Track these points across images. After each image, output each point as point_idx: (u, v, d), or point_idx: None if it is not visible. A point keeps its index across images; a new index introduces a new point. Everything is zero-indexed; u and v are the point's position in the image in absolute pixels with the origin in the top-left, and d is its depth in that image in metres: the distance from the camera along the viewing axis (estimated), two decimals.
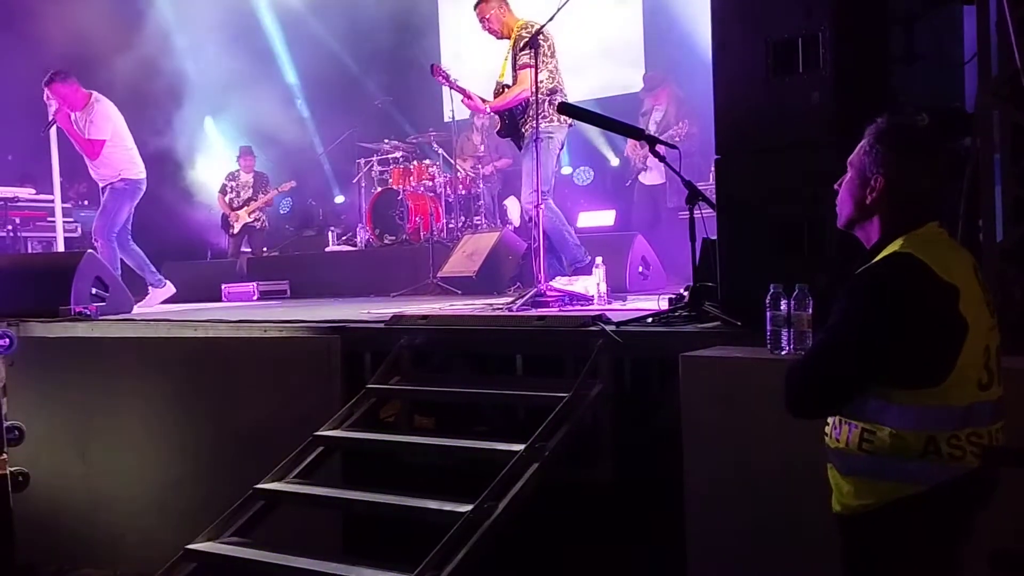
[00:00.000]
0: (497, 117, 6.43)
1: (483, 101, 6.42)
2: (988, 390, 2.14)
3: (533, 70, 5.68)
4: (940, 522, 2.13)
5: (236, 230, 10.58)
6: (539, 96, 5.75)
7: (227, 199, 10.68)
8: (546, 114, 5.89)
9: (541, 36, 5.80)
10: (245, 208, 10.56)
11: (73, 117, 7.18)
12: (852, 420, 2.17)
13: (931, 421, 2.08)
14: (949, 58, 3.85)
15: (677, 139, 8.34)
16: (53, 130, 7.55)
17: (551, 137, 6.01)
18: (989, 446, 2.12)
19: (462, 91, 6.55)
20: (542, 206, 5.57)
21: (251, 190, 10.65)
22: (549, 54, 6.00)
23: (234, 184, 10.73)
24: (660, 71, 9.46)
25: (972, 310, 2.10)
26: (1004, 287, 3.23)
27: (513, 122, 6.23)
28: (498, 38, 6.34)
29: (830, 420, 2.26)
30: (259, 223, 10.67)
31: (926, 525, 2.12)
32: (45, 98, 7.35)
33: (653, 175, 8.99)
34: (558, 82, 6.07)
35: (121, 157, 7.29)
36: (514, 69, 6.12)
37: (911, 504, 2.10)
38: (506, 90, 6.18)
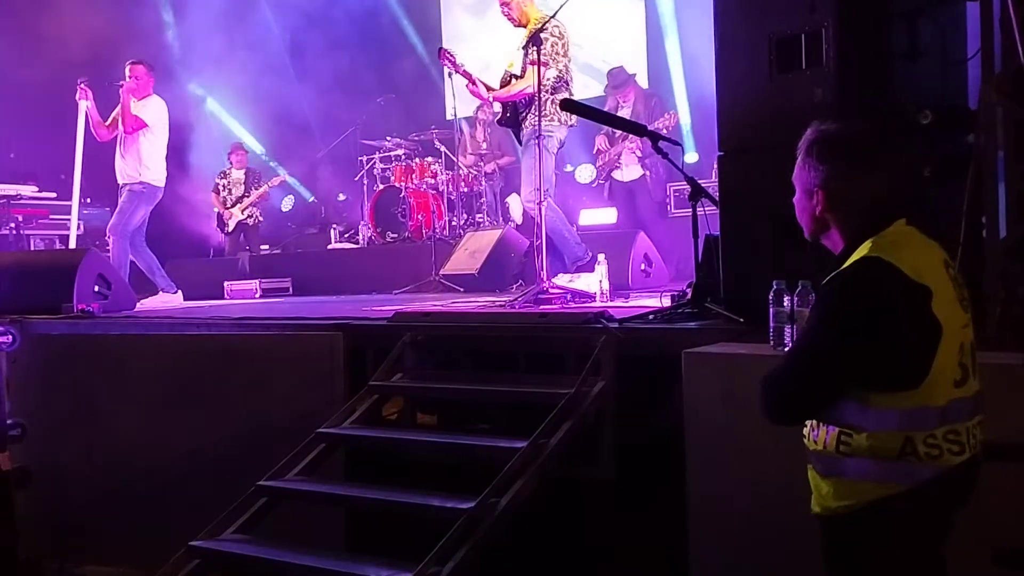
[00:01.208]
0: (499, 106, 6.40)
1: (488, 89, 6.37)
2: (963, 386, 2.12)
3: (539, 67, 5.66)
4: (919, 522, 2.12)
5: (231, 228, 10.55)
6: (543, 94, 5.67)
7: (220, 197, 10.64)
8: (547, 112, 5.80)
9: (557, 33, 5.77)
10: (238, 206, 10.52)
11: (130, 99, 7.46)
12: (829, 423, 2.15)
13: (908, 422, 2.07)
14: (952, 54, 3.84)
15: (666, 131, 8.30)
16: (81, 135, 7.73)
17: (551, 136, 5.91)
18: (967, 443, 2.10)
19: (468, 75, 6.46)
20: (543, 204, 5.55)
21: (243, 187, 10.59)
22: (562, 52, 5.93)
23: (226, 182, 10.67)
24: (624, 68, 9.22)
25: (945, 310, 2.08)
26: (1007, 284, 3.22)
27: (515, 113, 6.19)
28: (515, 25, 6.27)
29: (808, 422, 2.24)
30: (252, 219, 10.61)
31: (905, 525, 2.11)
32: (77, 97, 7.56)
33: (631, 171, 8.87)
34: (566, 82, 6.00)
35: (151, 155, 7.48)
36: (524, 62, 6.06)
37: (890, 504, 2.09)
38: (514, 80, 6.13)
